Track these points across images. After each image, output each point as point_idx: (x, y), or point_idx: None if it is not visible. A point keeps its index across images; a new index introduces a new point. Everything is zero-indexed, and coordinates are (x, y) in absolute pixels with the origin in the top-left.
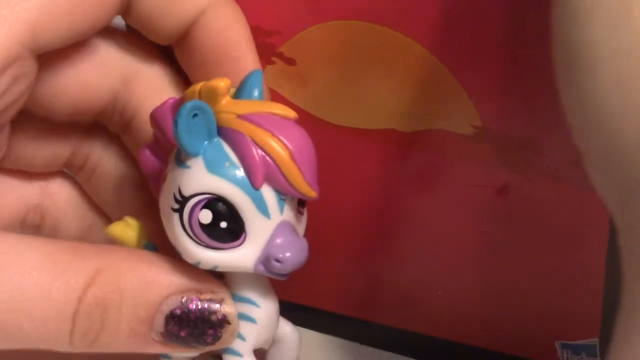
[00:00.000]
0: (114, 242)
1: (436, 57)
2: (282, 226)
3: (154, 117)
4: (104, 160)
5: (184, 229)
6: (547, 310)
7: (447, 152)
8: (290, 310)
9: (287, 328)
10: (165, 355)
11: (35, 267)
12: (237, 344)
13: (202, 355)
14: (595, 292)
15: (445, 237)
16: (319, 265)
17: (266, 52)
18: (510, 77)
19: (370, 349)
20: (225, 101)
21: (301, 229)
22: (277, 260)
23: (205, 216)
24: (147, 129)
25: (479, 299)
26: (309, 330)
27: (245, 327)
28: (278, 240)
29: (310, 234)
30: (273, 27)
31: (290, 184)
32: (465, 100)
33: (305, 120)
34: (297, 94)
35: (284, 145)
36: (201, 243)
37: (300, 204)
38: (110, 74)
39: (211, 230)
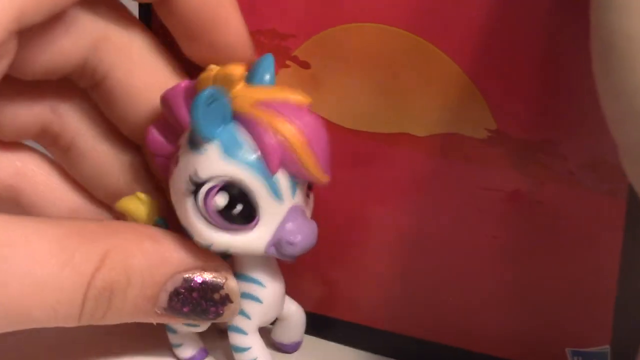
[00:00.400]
0: (124, 217)
1: (453, 61)
2: (294, 210)
3: (166, 99)
4: (82, 133)
5: (200, 212)
6: (558, 316)
7: (460, 156)
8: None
9: (292, 307)
10: (170, 329)
11: (43, 254)
12: (242, 322)
13: (208, 330)
14: (608, 299)
15: (457, 241)
16: (333, 272)
17: (281, 55)
18: (528, 80)
19: (382, 359)
20: (240, 87)
21: (309, 211)
22: (289, 243)
23: (221, 200)
24: (118, 92)
25: (490, 306)
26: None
27: (250, 306)
28: (290, 224)
29: (325, 238)
30: (288, 30)
31: (306, 168)
32: (482, 104)
33: None
34: (312, 98)
35: (300, 132)
36: (215, 225)
37: (309, 187)
38: (81, 38)
39: (226, 213)
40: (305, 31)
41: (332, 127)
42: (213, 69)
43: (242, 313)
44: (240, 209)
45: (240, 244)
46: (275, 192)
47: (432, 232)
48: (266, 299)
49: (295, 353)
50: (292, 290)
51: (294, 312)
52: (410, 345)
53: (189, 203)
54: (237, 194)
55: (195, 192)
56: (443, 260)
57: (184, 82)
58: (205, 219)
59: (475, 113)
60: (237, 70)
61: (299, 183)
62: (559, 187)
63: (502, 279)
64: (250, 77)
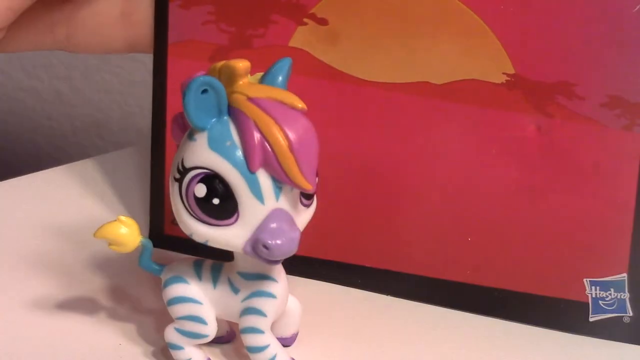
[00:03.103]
0: (108, 244)
1: (470, 8)
2: (277, 213)
3: (182, 88)
4: None
5: (182, 200)
6: (577, 248)
7: (479, 101)
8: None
9: (291, 298)
10: (176, 346)
11: None
12: (258, 321)
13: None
14: (625, 228)
15: (479, 182)
16: (347, 215)
17: (298, 13)
18: (544, 24)
19: (396, 300)
20: (242, 82)
21: (303, 220)
22: (265, 246)
23: (200, 190)
24: None
25: (509, 243)
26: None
27: (266, 304)
28: (269, 226)
29: (346, 187)
30: None
31: (285, 173)
32: (498, 49)
33: (339, 79)
34: (329, 53)
35: (284, 135)
36: (195, 216)
37: (305, 196)
38: None
39: (204, 204)
40: None
41: (351, 81)
42: (221, 62)
43: (258, 312)
44: (217, 202)
45: (218, 238)
46: (256, 192)
47: (454, 174)
48: (279, 293)
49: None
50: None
51: (293, 304)
52: (428, 287)
53: (176, 190)
54: (217, 187)
55: (180, 180)
56: (464, 201)
57: (200, 72)
58: (186, 207)
59: (492, 58)
60: (241, 64)
61: (285, 187)
62: (576, 126)
63: (521, 216)
64: (264, 76)
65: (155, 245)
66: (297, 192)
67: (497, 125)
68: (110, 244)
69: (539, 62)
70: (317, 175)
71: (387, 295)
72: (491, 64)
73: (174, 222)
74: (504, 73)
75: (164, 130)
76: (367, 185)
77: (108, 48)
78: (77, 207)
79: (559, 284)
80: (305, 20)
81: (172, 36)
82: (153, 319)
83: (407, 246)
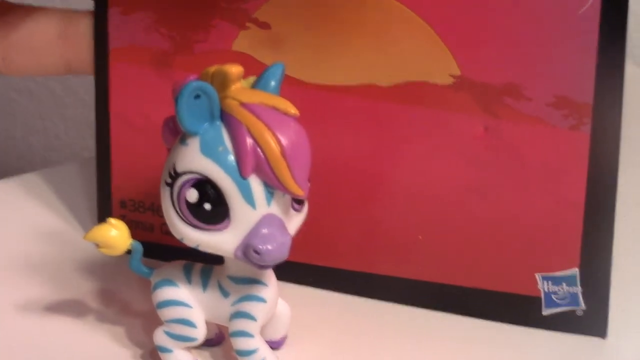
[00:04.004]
0: (97, 247)
1: (412, 10)
2: (268, 218)
3: (173, 92)
4: None
5: (173, 204)
6: (528, 244)
7: (427, 102)
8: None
9: (280, 301)
10: (165, 349)
11: None
12: (248, 325)
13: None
14: (575, 225)
15: (429, 182)
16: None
17: (240, 17)
18: (488, 24)
19: (362, 300)
20: (235, 87)
21: (294, 225)
22: (256, 251)
23: (191, 195)
24: None
25: (462, 240)
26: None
27: (256, 308)
28: (261, 232)
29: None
30: None
31: (277, 178)
32: (443, 51)
33: (284, 82)
34: (272, 57)
35: (277, 141)
36: (186, 221)
37: (297, 200)
38: None
39: (196, 209)
40: None
41: (295, 84)
42: (214, 66)
43: (248, 316)
44: (209, 207)
45: (209, 242)
46: (247, 197)
47: (404, 176)
48: (269, 297)
49: None
50: None
51: (283, 308)
52: (388, 285)
53: (167, 194)
54: (208, 192)
55: (172, 185)
56: (416, 202)
57: (192, 76)
58: (177, 212)
59: (438, 60)
60: (234, 70)
61: (277, 192)
62: (524, 126)
63: (472, 215)
64: (257, 82)
65: None
66: (288, 197)
67: (445, 127)
68: (99, 247)
69: (484, 63)
70: (309, 180)
71: (357, 296)
72: (437, 66)
73: None
74: (450, 75)
75: (107, 137)
76: (317, 187)
77: (45, 70)
78: (63, 210)
79: (511, 280)
80: (248, 24)
81: (113, 42)
82: (142, 321)
83: (348, 243)
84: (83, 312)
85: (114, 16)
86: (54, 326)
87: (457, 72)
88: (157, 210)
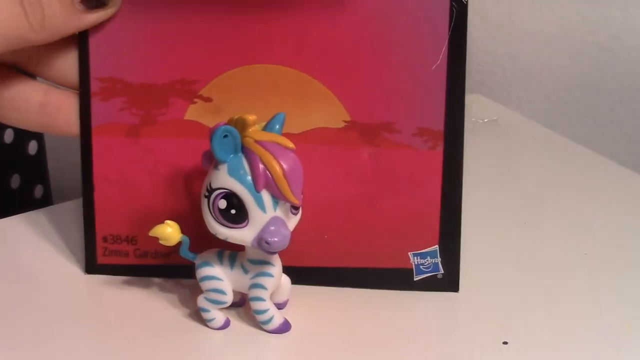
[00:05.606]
0: (158, 239)
1: (314, 78)
2: (274, 219)
3: (211, 132)
4: None
5: (209, 210)
6: (403, 232)
7: (327, 141)
8: None
9: (283, 275)
10: (205, 309)
11: None
12: (261, 293)
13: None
14: (435, 217)
15: (331, 196)
16: None
17: (190, 95)
18: (369, 86)
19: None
20: (251, 129)
21: (293, 223)
22: (266, 242)
23: (222, 204)
24: None
25: (356, 236)
26: None
27: (267, 281)
28: (270, 228)
29: None
30: (194, 77)
31: (281, 192)
32: (339, 106)
33: None
34: (214, 122)
35: (279, 165)
36: (219, 221)
37: (294, 207)
38: None
39: (225, 214)
40: (207, 76)
41: None
42: (236, 116)
43: (261, 286)
44: (234, 212)
45: (235, 236)
46: (260, 205)
47: (314, 193)
48: (276, 273)
49: None
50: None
51: (284, 280)
52: (304, 271)
53: (205, 203)
54: (234, 202)
55: (208, 197)
56: (322, 211)
57: (222, 122)
58: (213, 216)
59: (335, 112)
60: (251, 118)
61: (281, 202)
62: (397, 151)
63: (363, 218)
64: (266, 125)
65: (89, 272)
66: (288, 205)
67: (341, 157)
68: (160, 240)
69: (366, 109)
70: (302, 193)
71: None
72: (333, 115)
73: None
74: (343, 120)
75: (91, 190)
76: None
77: (24, 126)
78: (61, 244)
79: (392, 258)
80: (195, 99)
81: (95, 121)
82: (190, 290)
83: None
84: (148, 284)
85: (96, 103)
86: (126, 291)
87: (348, 118)
88: (130, 240)
